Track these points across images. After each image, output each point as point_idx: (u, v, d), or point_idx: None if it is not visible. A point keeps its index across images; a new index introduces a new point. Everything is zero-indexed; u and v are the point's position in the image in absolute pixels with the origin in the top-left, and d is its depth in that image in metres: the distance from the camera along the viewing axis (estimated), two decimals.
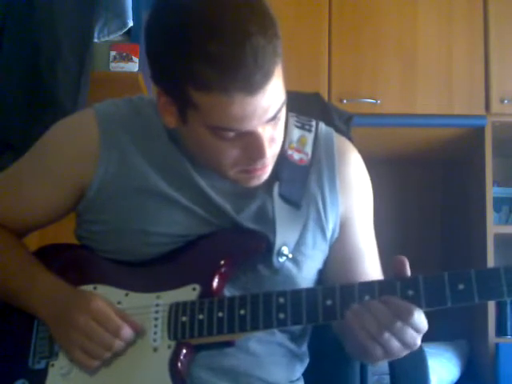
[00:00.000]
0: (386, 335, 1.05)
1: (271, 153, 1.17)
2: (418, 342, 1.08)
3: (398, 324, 1.05)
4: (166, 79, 1.13)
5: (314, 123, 1.33)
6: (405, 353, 1.09)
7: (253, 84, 1.06)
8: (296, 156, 1.27)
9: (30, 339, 1.22)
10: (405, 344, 1.07)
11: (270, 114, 1.12)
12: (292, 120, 1.31)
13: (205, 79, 1.06)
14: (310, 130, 1.31)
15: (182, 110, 1.13)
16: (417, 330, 1.07)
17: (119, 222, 1.24)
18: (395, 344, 1.06)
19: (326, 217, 1.27)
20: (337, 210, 1.28)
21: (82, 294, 1.20)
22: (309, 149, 1.29)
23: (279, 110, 1.13)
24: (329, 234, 1.28)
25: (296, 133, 1.30)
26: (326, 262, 1.29)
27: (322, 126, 1.34)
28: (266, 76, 1.07)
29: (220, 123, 1.10)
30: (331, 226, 1.28)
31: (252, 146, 1.13)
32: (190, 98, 1.10)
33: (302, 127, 1.31)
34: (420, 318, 1.07)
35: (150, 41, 1.15)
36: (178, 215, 1.23)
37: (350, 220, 1.30)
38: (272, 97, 1.10)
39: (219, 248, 1.21)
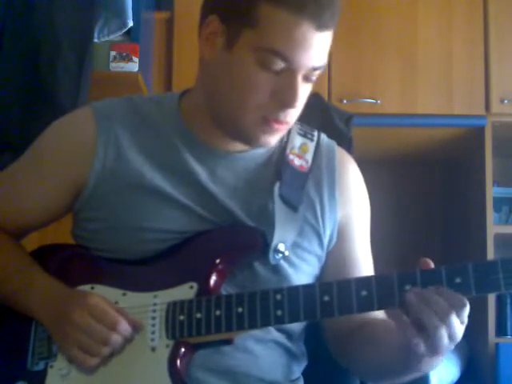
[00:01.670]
0: (453, 316, 1.04)
1: (297, 106, 1.20)
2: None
3: (458, 313, 1.05)
4: None
5: (316, 133, 1.36)
6: (451, 345, 1.09)
7: (322, 18, 1.14)
8: (297, 162, 1.30)
9: (29, 340, 1.22)
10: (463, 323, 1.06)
11: (316, 63, 1.17)
12: (295, 127, 1.33)
13: None
14: (312, 139, 1.34)
15: (236, 33, 1.16)
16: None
17: (115, 218, 1.24)
18: (459, 326, 1.05)
19: (323, 223, 1.28)
20: (335, 218, 1.29)
21: (79, 292, 1.20)
22: (309, 156, 1.31)
23: (320, 68, 1.18)
24: (325, 241, 1.29)
25: (298, 140, 1.32)
26: (322, 269, 1.30)
27: (324, 137, 1.37)
28: (332, 20, 1.16)
29: (276, 45, 1.13)
30: (328, 232, 1.29)
31: (287, 88, 1.16)
32: (256, 15, 1.14)
33: (304, 135, 1.34)
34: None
35: None
36: (174, 212, 1.23)
37: (348, 229, 1.31)
38: (324, 48, 1.17)
39: (216, 245, 1.21)
